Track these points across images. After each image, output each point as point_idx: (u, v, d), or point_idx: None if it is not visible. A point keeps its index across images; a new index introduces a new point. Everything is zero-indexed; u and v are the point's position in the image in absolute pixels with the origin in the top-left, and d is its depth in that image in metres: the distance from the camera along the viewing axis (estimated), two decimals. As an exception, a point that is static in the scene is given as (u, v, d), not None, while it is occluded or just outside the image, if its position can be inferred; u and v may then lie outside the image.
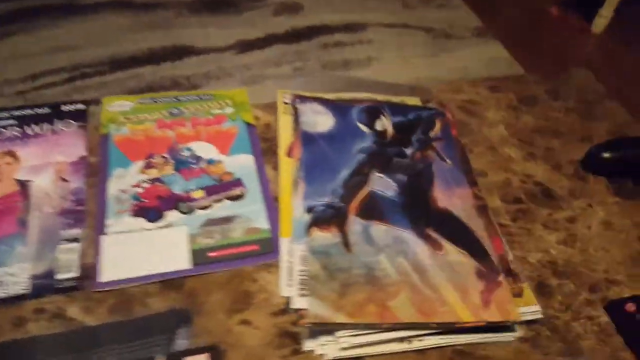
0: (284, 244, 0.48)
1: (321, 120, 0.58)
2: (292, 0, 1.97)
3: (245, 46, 1.71)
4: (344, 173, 0.53)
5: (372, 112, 0.60)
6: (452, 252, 0.47)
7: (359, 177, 0.53)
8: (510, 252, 0.51)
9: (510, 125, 0.67)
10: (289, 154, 0.56)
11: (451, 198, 0.52)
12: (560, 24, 2.08)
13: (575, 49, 1.94)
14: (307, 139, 0.56)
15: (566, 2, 2.16)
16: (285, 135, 0.59)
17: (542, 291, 0.50)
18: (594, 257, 0.53)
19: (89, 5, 1.83)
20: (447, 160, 0.56)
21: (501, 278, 0.46)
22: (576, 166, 0.62)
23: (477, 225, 0.50)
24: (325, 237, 0.47)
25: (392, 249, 0.47)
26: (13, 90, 1.51)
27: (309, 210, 0.49)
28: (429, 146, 0.57)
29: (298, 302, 0.43)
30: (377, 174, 0.53)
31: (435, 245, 0.47)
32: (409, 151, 0.56)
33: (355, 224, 0.48)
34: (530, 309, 0.46)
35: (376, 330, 0.42)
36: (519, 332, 0.46)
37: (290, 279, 0.45)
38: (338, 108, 0.60)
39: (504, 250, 0.50)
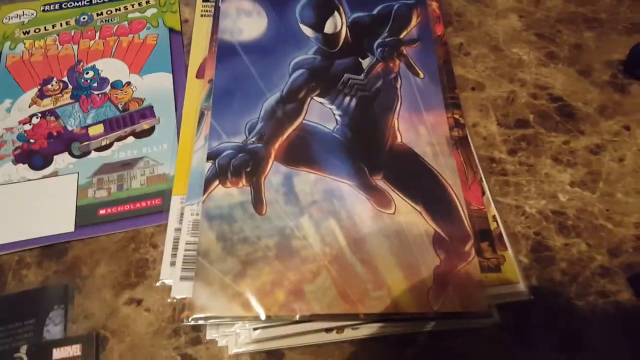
0: (175, 204, 0.36)
1: (248, 24, 0.43)
2: None
3: None
4: (270, 101, 0.39)
5: (323, 6, 0.44)
6: (405, 211, 0.34)
7: (290, 105, 0.38)
8: (494, 204, 0.36)
9: (526, 13, 0.48)
10: (198, 74, 0.42)
11: (417, 130, 0.37)
12: None
13: None
14: (225, 52, 0.41)
15: None
16: (199, 46, 0.44)
17: (540, 256, 0.36)
18: (623, 205, 0.38)
19: None
20: (420, 73, 0.40)
21: (469, 247, 0.32)
22: (615, 70, 0.44)
23: (448, 169, 0.36)
24: (230, 194, 0.34)
25: (321, 207, 0.34)
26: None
27: (213, 156, 0.36)
28: (397, 53, 0.41)
29: (179, 289, 0.32)
30: (316, 99, 0.39)
31: (382, 201, 0.34)
32: (366, 63, 0.40)
33: (274, 174, 0.35)
34: (512, 289, 0.33)
35: (287, 322, 0.31)
36: (498, 318, 0.33)
37: (174, 256, 0.34)
38: (276, 3, 0.44)
39: (483, 203, 0.35)
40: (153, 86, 0.46)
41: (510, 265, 0.33)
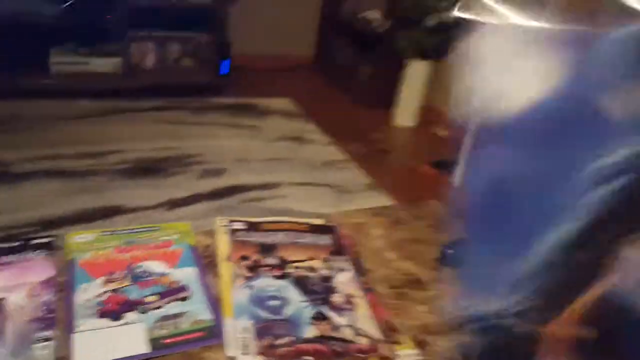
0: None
1: (523, 81, 0.28)
2: (214, 167, 2.27)
3: (174, 204, 1.91)
4: (552, 239, 0.23)
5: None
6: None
7: (589, 252, 0.23)
8: (395, 318, 0.69)
9: (387, 237, 0.91)
10: (229, 259, 0.74)
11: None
12: (431, 179, 2.58)
13: (440, 194, 2.38)
14: (484, 137, 0.25)
15: (436, 163, 2.69)
16: (223, 248, 0.77)
17: (421, 344, 0.68)
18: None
19: (21, 174, 1.97)
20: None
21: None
22: (435, 262, 0.86)
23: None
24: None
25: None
26: None
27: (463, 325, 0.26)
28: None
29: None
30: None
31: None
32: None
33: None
34: (410, 352, 0.63)
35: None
36: (405, 374, 0.62)
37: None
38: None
39: (387, 316, 0.68)
40: (185, 275, 0.75)
41: (408, 342, 0.64)
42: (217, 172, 2.21)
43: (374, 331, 0.63)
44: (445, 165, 2.67)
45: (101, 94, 2.73)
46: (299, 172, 2.36)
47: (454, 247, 0.85)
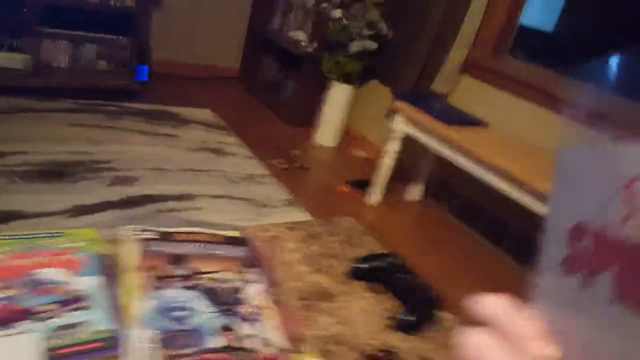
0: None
1: None
2: (126, 174, 2.18)
3: (80, 211, 1.80)
4: None
5: None
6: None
7: None
8: (303, 329, 0.72)
9: (302, 251, 0.94)
10: (137, 268, 0.72)
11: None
12: (348, 197, 2.68)
13: (355, 212, 2.48)
14: None
15: (353, 183, 2.80)
16: (131, 257, 0.75)
17: (326, 354, 0.71)
18: (358, 331, 0.77)
19: None
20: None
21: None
22: (346, 276, 0.90)
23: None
24: None
25: (216, 329, 0.63)
26: None
27: None
28: (243, 263, 0.79)
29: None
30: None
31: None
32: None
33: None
34: (314, 363, 0.66)
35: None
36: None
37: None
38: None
39: (295, 327, 0.71)
40: (87, 283, 0.72)
41: (313, 352, 0.67)
42: (130, 180, 2.12)
43: (281, 341, 0.65)
44: (361, 185, 2.79)
45: (8, 91, 2.52)
46: (218, 184, 2.34)
47: (365, 262, 0.90)
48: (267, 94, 3.70)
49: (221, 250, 0.79)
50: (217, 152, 2.69)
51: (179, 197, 2.10)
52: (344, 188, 2.77)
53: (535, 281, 0.22)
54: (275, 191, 2.45)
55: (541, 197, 1.91)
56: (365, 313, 0.77)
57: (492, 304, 0.22)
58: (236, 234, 0.86)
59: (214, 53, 3.91)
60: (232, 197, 2.25)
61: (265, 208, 2.23)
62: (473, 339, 0.21)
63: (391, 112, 2.60)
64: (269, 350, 0.62)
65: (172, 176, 2.26)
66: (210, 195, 2.20)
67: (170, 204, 2.02)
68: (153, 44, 3.37)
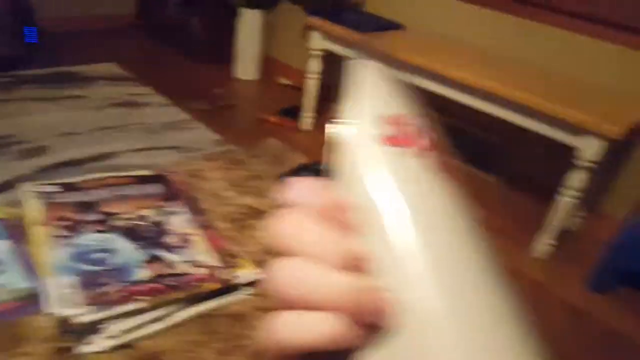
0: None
1: None
2: (34, 145, 2.00)
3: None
4: None
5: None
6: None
7: None
8: (235, 248, 0.70)
9: (226, 178, 0.90)
10: (44, 222, 0.66)
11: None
12: (280, 127, 2.63)
13: (289, 140, 2.46)
14: None
15: (282, 112, 2.74)
16: (35, 213, 0.68)
17: (262, 264, 0.69)
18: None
19: None
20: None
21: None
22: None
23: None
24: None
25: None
26: None
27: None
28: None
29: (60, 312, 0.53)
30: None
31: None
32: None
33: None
34: (252, 272, 0.64)
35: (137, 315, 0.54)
36: (251, 291, 0.63)
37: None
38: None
39: (226, 246, 0.68)
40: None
41: (248, 264, 0.65)
42: (40, 151, 1.96)
43: (213, 261, 0.63)
44: (291, 113, 2.73)
45: None
46: (137, 138, 2.21)
47: (293, 174, 0.88)
48: (172, 36, 3.46)
49: (134, 191, 0.74)
50: (131, 105, 2.52)
51: (97, 158, 1.97)
52: (274, 119, 2.70)
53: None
54: (202, 134, 2.35)
55: (464, 88, 1.95)
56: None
57: (297, 184, 0.22)
58: (148, 172, 0.81)
59: (104, 1, 3.56)
60: (156, 148, 2.14)
61: (195, 153, 2.14)
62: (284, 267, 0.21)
63: (307, 30, 2.51)
64: (200, 271, 0.60)
65: (85, 138, 2.11)
66: (131, 149, 2.08)
67: (88, 166, 1.89)
68: (36, 2, 3.01)
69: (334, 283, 0.20)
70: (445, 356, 0.18)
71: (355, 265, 0.20)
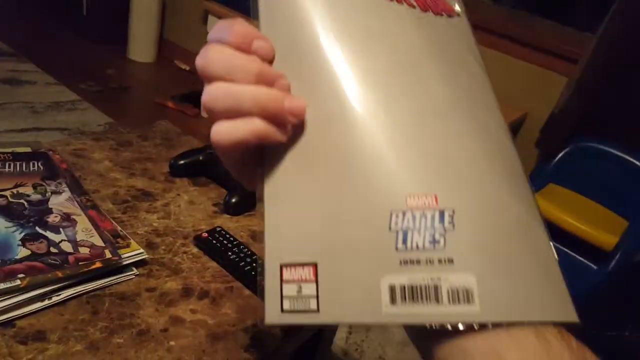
0: None
1: None
2: None
3: None
4: None
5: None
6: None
7: None
8: (122, 230, 0.71)
9: (113, 159, 0.90)
10: None
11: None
12: (176, 113, 2.58)
13: (186, 126, 2.43)
14: None
15: (179, 97, 2.68)
16: None
17: (151, 246, 0.72)
18: (184, 222, 0.79)
19: None
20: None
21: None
22: (166, 175, 0.89)
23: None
24: None
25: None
26: None
27: None
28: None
29: None
30: None
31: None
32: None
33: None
34: (138, 252, 0.66)
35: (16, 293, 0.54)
36: (137, 271, 0.65)
37: None
38: None
39: (111, 226, 0.70)
40: None
41: (134, 245, 0.67)
42: None
43: (96, 240, 0.64)
44: (189, 99, 2.68)
45: None
46: (19, 117, 2.04)
47: (182, 158, 0.90)
48: (62, 11, 3.20)
49: (10, 168, 0.72)
50: (11, 82, 2.31)
51: (-29, 139, 1.80)
52: (172, 104, 2.64)
53: None
54: (90, 116, 2.23)
55: None
56: (190, 205, 0.79)
57: (217, 25, 0.29)
58: (27, 149, 0.79)
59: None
60: (39, 129, 1.99)
61: (83, 135, 2.03)
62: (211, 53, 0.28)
63: (205, 14, 2.48)
64: (84, 251, 0.61)
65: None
66: (12, 130, 1.92)
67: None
68: None
69: (252, 91, 0.27)
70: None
71: (267, 81, 0.27)
